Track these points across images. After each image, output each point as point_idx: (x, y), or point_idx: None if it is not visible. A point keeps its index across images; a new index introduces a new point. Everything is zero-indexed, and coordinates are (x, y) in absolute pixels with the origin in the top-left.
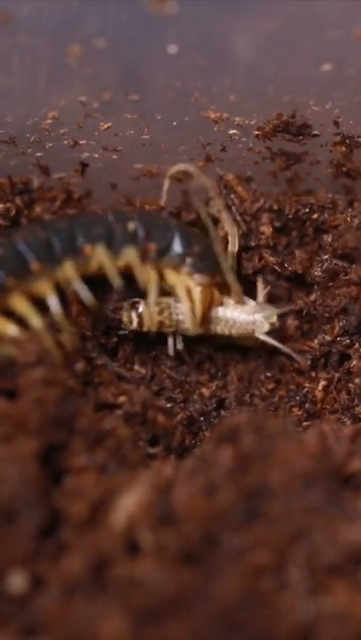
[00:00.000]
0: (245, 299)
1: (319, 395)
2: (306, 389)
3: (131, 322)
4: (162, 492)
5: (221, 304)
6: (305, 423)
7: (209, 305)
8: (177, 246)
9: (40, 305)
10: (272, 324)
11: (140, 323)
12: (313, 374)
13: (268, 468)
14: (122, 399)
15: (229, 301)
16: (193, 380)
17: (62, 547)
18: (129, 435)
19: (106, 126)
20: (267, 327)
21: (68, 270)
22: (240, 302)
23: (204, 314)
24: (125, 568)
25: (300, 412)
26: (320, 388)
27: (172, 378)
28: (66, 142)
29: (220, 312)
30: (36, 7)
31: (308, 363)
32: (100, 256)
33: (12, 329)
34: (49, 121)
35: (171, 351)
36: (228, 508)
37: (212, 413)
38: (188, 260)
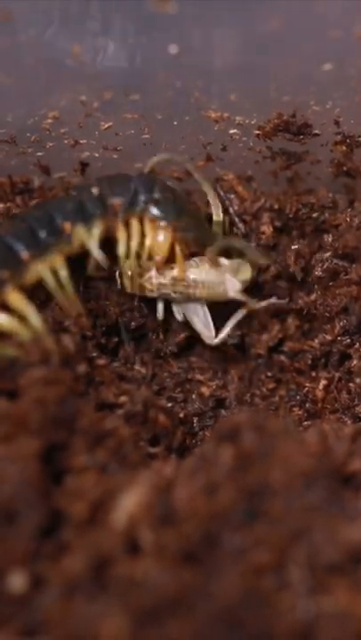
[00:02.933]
0: (220, 259)
1: (320, 394)
2: (306, 389)
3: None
4: (162, 491)
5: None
6: (305, 423)
7: (169, 253)
8: (141, 195)
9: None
10: (244, 282)
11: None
12: (313, 374)
13: (269, 468)
14: (123, 399)
15: (204, 263)
16: (193, 379)
17: (62, 547)
18: (130, 434)
19: (106, 126)
20: (238, 286)
21: (57, 255)
22: (214, 264)
23: (163, 262)
24: (126, 568)
25: (300, 412)
26: (321, 387)
27: (172, 377)
28: (66, 142)
29: (193, 274)
30: (36, 7)
31: (309, 362)
32: (79, 234)
33: (1, 317)
34: (49, 120)
35: (159, 315)
36: (229, 507)
37: (212, 413)
38: (151, 206)
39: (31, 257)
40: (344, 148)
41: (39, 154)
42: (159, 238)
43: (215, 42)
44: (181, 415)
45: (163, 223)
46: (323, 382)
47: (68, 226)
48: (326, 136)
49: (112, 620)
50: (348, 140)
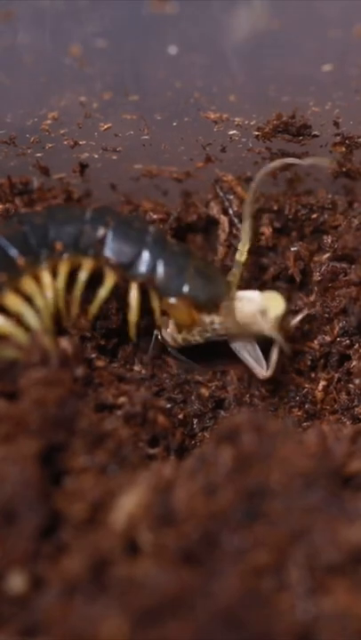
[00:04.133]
0: (251, 295)
1: (319, 395)
2: (306, 390)
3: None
4: (162, 492)
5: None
6: (305, 423)
7: (189, 325)
8: (144, 265)
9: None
10: (277, 318)
11: None
12: (313, 375)
13: (269, 469)
14: (122, 400)
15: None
16: (192, 380)
17: (62, 547)
18: (129, 435)
19: (106, 126)
20: (271, 323)
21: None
22: (231, 317)
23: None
24: (125, 568)
25: (299, 413)
26: (320, 388)
27: (171, 378)
28: (66, 143)
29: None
30: (36, 7)
31: (308, 363)
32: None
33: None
34: (49, 121)
35: (150, 350)
36: (229, 507)
37: (211, 414)
38: (156, 280)
39: (26, 264)
40: (343, 149)
41: (38, 155)
42: (174, 313)
43: (215, 42)
44: (181, 416)
45: (172, 300)
46: (322, 383)
47: (59, 246)
48: (326, 137)
49: (112, 621)
50: (347, 141)
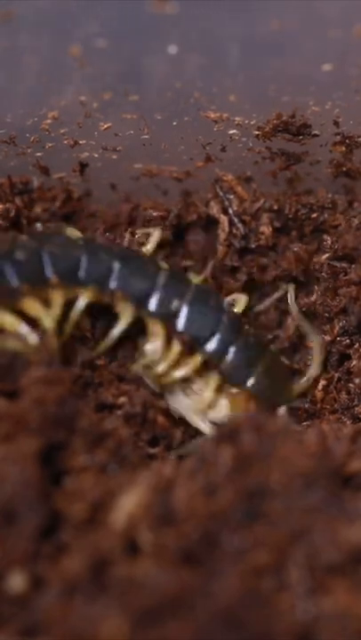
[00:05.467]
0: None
1: (319, 394)
2: None
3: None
4: (162, 492)
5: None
6: (305, 423)
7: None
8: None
9: None
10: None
11: None
12: None
13: (269, 468)
14: (122, 399)
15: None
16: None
17: (62, 547)
18: (129, 435)
19: (106, 126)
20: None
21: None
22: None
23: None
24: (125, 568)
25: (299, 412)
26: (320, 387)
27: None
28: (66, 142)
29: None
30: (36, 7)
31: (309, 363)
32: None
33: (23, 328)
34: (49, 121)
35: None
36: (228, 507)
37: None
38: (226, 368)
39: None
40: (343, 148)
41: (38, 154)
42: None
43: (215, 42)
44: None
45: (235, 391)
46: (322, 382)
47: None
48: (326, 136)
49: (112, 621)
50: (347, 141)
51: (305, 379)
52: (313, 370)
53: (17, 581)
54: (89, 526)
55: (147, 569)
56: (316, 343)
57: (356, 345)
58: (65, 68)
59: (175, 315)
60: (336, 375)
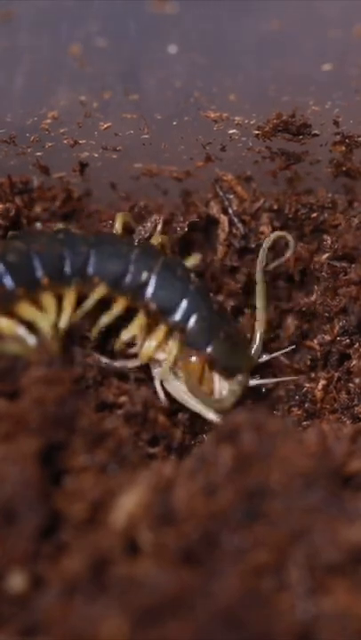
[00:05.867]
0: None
1: (319, 394)
2: (305, 389)
3: None
4: (162, 491)
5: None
6: (305, 423)
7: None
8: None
9: None
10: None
11: None
12: (313, 374)
13: (269, 468)
14: (122, 399)
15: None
16: None
17: (62, 547)
18: (129, 435)
19: (106, 126)
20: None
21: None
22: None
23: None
24: (125, 568)
25: (299, 412)
26: (320, 387)
27: None
28: (66, 142)
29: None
30: (36, 7)
31: (308, 363)
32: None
33: (21, 331)
34: (49, 120)
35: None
36: (228, 507)
37: None
38: (185, 332)
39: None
40: (343, 148)
41: (38, 154)
42: (190, 360)
43: (215, 42)
44: (181, 415)
45: (193, 357)
46: (322, 382)
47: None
48: (326, 136)
49: (112, 620)
50: (347, 141)
51: (254, 347)
52: (257, 341)
53: (17, 581)
54: (89, 526)
55: (147, 569)
56: (259, 311)
57: (356, 345)
58: (65, 67)
59: (144, 285)
60: (336, 375)
